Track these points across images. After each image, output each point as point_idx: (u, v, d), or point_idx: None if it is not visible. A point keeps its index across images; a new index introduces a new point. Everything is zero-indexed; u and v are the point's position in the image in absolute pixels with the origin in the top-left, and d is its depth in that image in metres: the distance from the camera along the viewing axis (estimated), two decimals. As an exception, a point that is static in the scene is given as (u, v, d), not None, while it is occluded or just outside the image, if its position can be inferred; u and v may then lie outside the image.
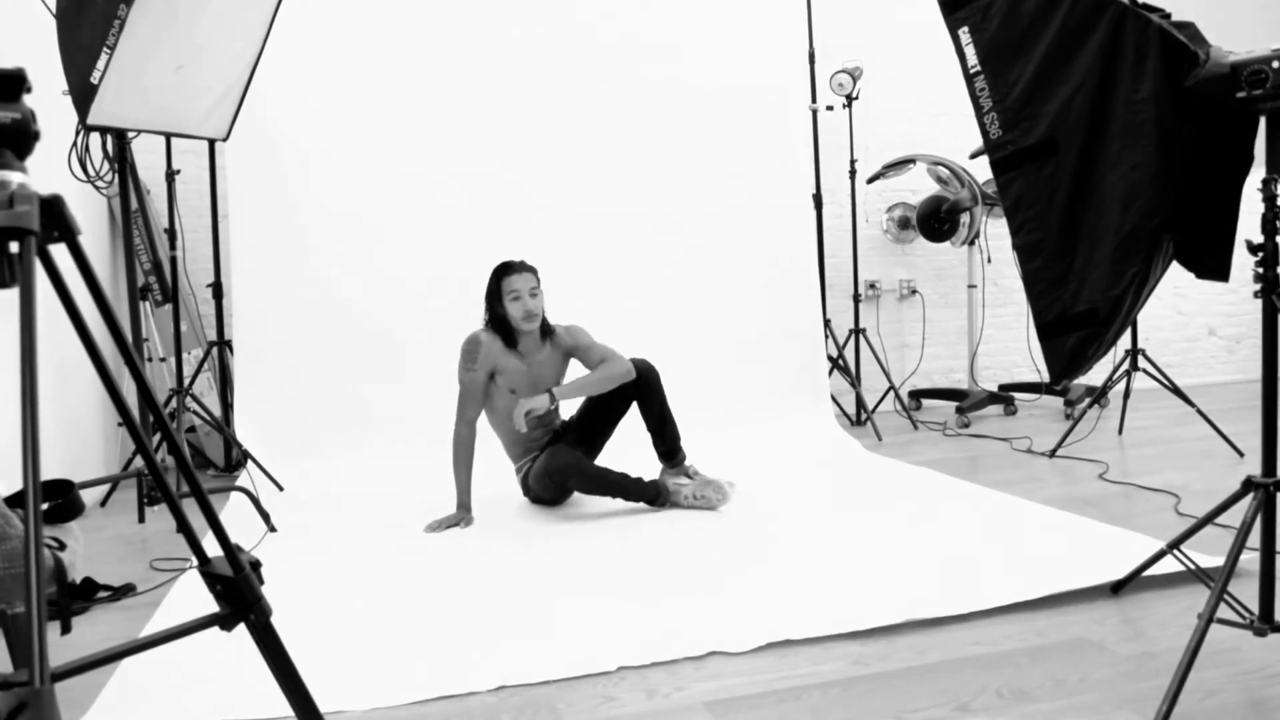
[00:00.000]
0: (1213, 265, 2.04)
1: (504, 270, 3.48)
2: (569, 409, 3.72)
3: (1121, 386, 4.66)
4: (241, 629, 1.42)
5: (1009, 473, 3.94)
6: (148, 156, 4.49)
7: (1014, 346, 6.16)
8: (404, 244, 4.49)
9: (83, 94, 2.95)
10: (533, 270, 3.49)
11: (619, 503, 3.52)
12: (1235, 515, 2.00)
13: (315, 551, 3.07)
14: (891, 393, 5.46)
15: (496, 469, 3.94)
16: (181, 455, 1.42)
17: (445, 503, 3.49)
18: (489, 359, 3.47)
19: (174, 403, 4.00)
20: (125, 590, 2.71)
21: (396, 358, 4.41)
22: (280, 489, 3.95)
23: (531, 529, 3.28)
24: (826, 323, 5.17)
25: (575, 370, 3.66)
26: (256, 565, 1.43)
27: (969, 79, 2.12)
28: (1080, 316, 2.08)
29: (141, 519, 3.53)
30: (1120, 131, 2.00)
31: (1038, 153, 2.08)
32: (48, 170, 3.07)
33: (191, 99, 3.40)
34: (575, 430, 3.63)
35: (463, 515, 3.39)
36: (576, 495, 3.67)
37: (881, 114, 5.83)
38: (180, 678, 2.06)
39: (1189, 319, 6.63)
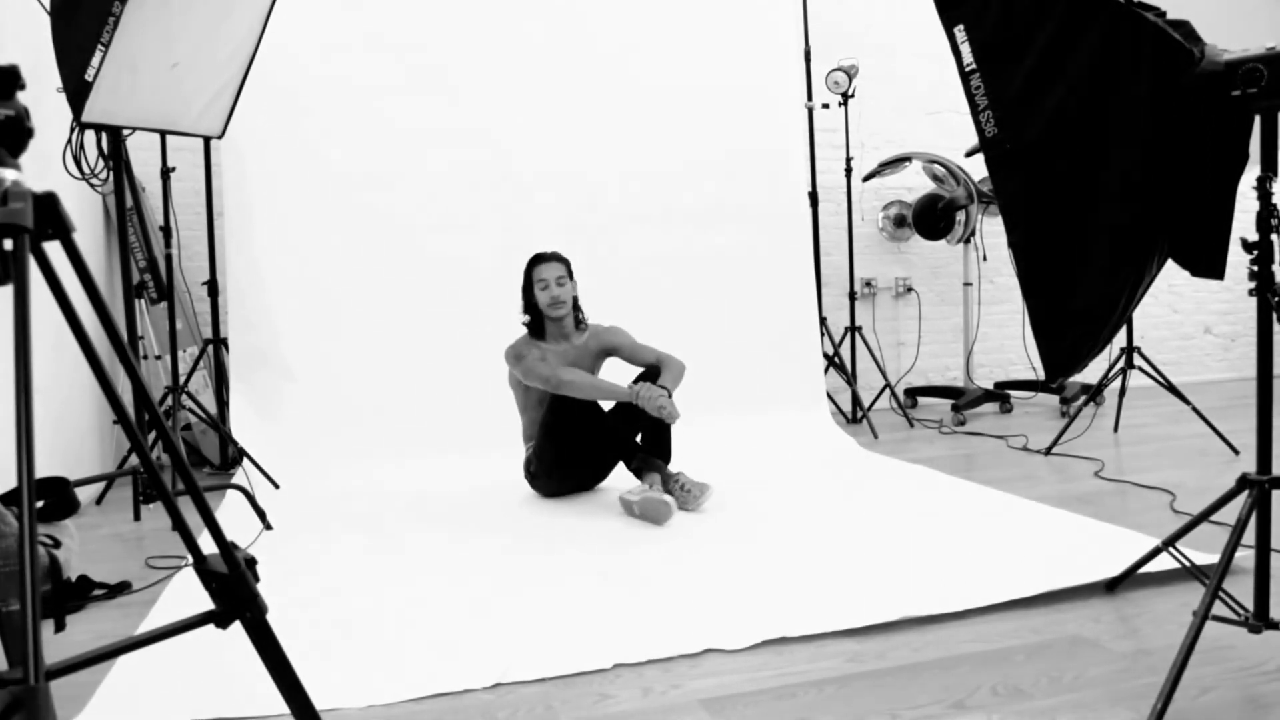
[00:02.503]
0: (1208, 263, 2.04)
1: (534, 261, 3.67)
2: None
3: (1117, 384, 4.67)
4: (237, 627, 1.42)
5: (1004, 470, 3.94)
6: (143, 154, 4.48)
7: (1010, 344, 6.17)
8: (399, 242, 4.49)
9: (77, 91, 2.94)
10: (561, 260, 3.66)
11: (615, 500, 3.52)
12: (1230, 513, 2.01)
13: (311, 549, 3.06)
14: (887, 390, 5.47)
15: (495, 464, 3.95)
16: (177, 453, 1.42)
17: (442, 501, 3.49)
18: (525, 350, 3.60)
19: (169, 400, 3.99)
20: (120, 588, 2.71)
21: (392, 355, 4.41)
22: (276, 487, 3.94)
23: (527, 526, 3.27)
24: (822, 320, 5.17)
25: (609, 368, 3.81)
26: (252, 563, 1.43)
27: (964, 77, 2.12)
28: (1076, 314, 2.08)
29: (137, 517, 3.52)
30: (1116, 129, 2.00)
31: (1033, 151, 2.08)
32: (42, 168, 3.07)
33: (187, 96, 3.40)
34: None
35: (633, 390, 3.39)
36: (574, 490, 3.67)
37: (877, 112, 5.84)
38: (176, 676, 2.05)
39: (1184, 317, 6.64)
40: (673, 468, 3.57)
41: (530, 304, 3.65)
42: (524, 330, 3.69)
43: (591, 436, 3.54)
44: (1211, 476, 3.65)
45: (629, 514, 3.34)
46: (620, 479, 3.68)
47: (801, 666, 2.04)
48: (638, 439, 3.58)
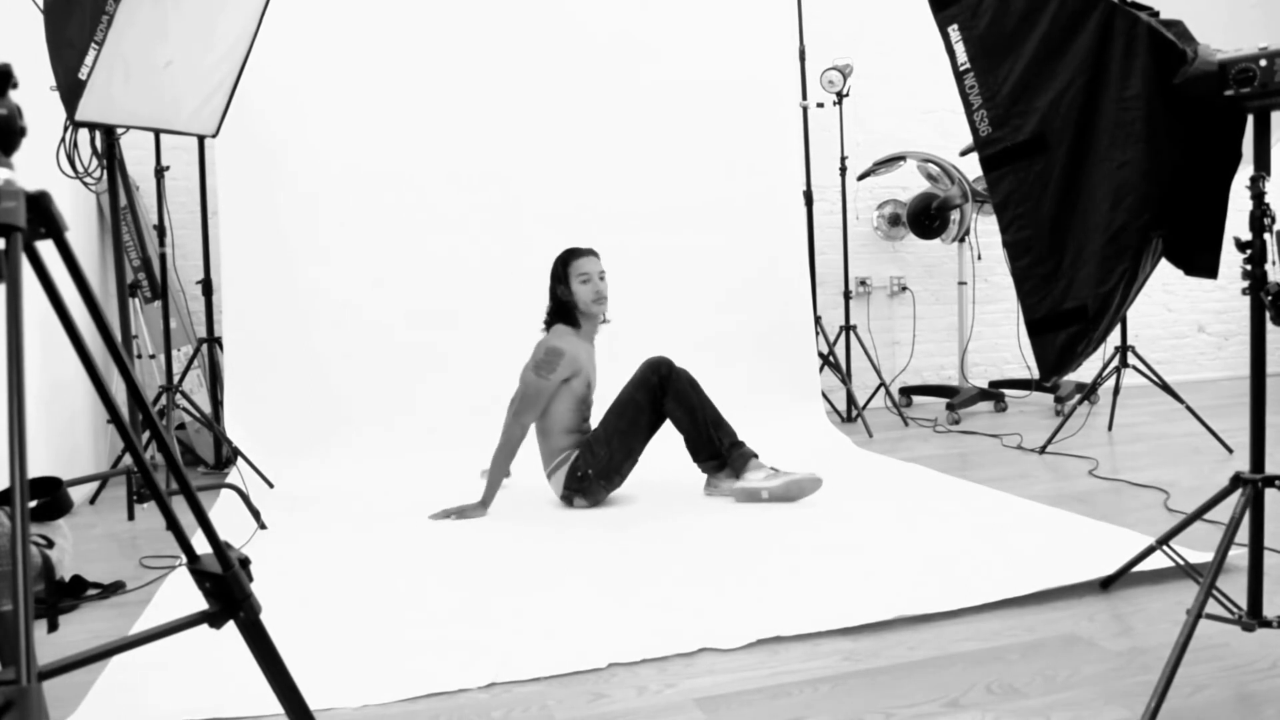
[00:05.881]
0: (1201, 262, 2.04)
1: (572, 254, 3.54)
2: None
3: (1111, 383, 4.68)
4: (231, 626, 1.41)
5: (999, 469, 3.95)
6: (136, 153, 4.47)
7: (1004, 343, 6.17)
8: (394, 241, 4.48)
9: (71, 90, 2.93)
10: (599, 256, 3.56)
11: (614, 499, 3.53)
12: (1224, 511, 2.01)
13: (305, 549, 3.06)
14: (882, 389, 5.47)
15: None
16: (170, 453, 1.41)
17: (437, 500, 3.49)
18: (571, 365, 3.46)
19: (164, 400, 3.99)
20: (114, 588, 2.70)
21: (387, 354, 4.41)
22: (271, 486, 3.94)
23: (522, 527, 3.27)
24: (817, 319, 5.17)
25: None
26: (246, 562, 1.43)
27: (958, 76, 2.13)
28: (1070, 313, 2.08)
29: (131, 516, 3.52)
30: (1109, 129, 2.00)
31: (1027, 150, 2.08)
32: (36, 166, 3.06)
33: (181, 95, 3.39)
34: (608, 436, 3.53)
35: (478, 512, 3.34)
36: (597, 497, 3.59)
37: (872, 111, 5.84)
38: (169, 676, 2.05)
39: (1178, 316, 6.65)
40: (674, 465, 3.57)
41: (563, 300, 3.51)
42: (543, 330, 3.59)
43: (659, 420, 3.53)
44: (1205, 475, 3.66)
45: (751, 500, 3.40)
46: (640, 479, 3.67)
47: (796, 665, 2.04)
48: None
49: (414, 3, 4.52)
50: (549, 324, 3.56)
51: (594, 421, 3.64)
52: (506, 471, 3.50)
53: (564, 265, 3.53)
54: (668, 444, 3.68)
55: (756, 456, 3.50)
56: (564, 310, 3.53)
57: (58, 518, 2.70)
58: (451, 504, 3.40)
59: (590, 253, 3.54)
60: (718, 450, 3.52)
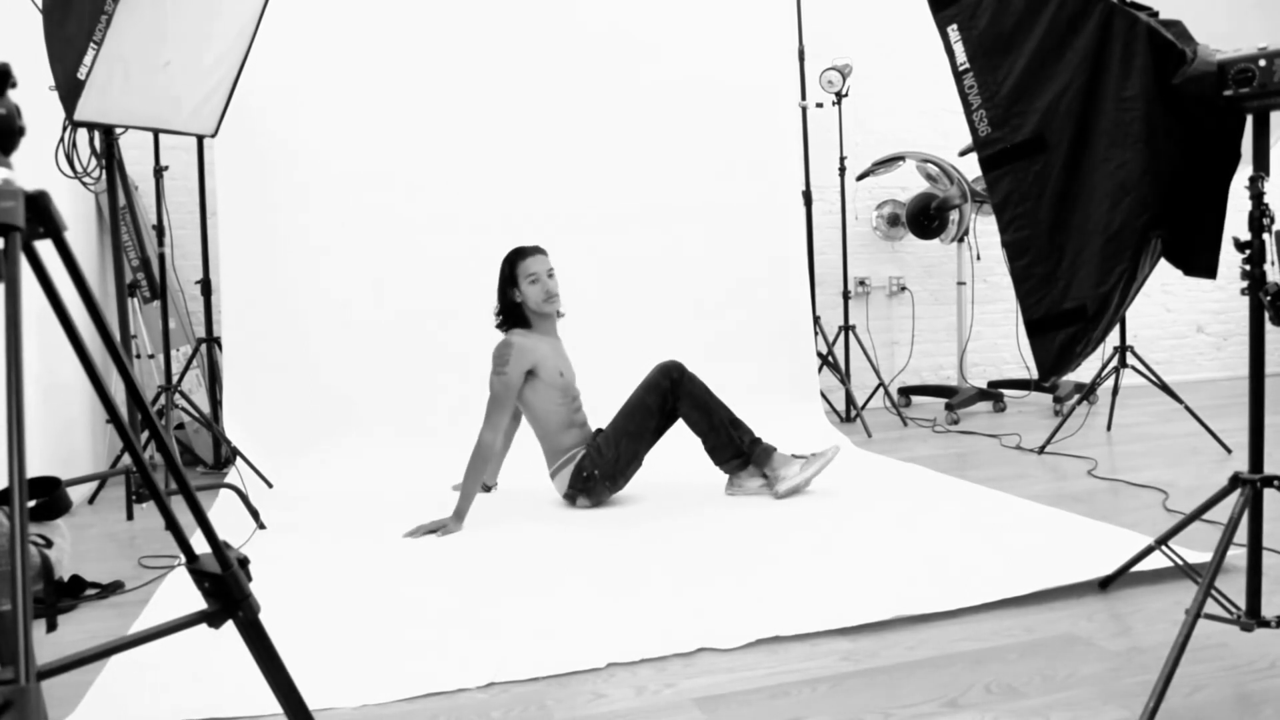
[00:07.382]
0: (1200, 262, 2.04)
1: (519, 255, 3.51)
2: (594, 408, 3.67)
3: (1110, 383, 4.68)
4: (230, 626, 1.41)
5: (998, 469, 3.95)
6: (135, 152, 4.47)
7: (1003, 343, 6.18)
8: (393, 240, 4.48)
9: (69, 89, 2.93)
10: (546, 252, 3.53)
11: (615, 499, 3.53)
12: (1222, 511, 2.01)
13: (304, 548, 3.06)
14: (881, 389, 5.47)
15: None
16: (169, 453, 1.41)
17: (435, 501, 3.48)
18: (523, 358, 3.43)
19: (163, 400, 3.98)
20: (113, 588, 2.70)
21: (386, 354, 4.41)
22: (270, 486, 3.93)
23: (521, 526, 3.27)
24: (816, 319, 5.17)
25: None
26: (245, 562, 1.43)
27: (957, 76, 2.13)
28: (1069, 313, 2.09)
29: (130, 516, 3.52)
30: (1108, 129, 2.01)
31: (1026, 150, 2.08)
32: (34, 166, 3.06)
33: (179, 95, 3.38)
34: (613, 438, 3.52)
35: (454, 526, 3.22)
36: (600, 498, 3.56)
37: (871, 111, 5.84)
38: (168, 675, 2.05)
39: (1177, 316, 6.65)
40: (676, 466, 3.58)
41: (511, 301, 3.51)
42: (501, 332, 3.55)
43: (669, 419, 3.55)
44: (1204, 475, 3.66)
45: (786, 495, 3.46)
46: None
47: (795, 665, 2.04)
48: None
49: (414, 3, 4.52)
50: (506, 328, 3.54)
51: (588, 413, 3.64)
52: (484, 481, 3.48)
53: (511, 267, 3.51)
54: (669, 445, 3.68)
55: (776, 450, 3.53)
56: (514, 311, 3.52)
57: (56, 517, 2.70)
58: (451, 504, 3.39)
59: (538, 251, 3.51)
60: (740, 449, 3.52)
